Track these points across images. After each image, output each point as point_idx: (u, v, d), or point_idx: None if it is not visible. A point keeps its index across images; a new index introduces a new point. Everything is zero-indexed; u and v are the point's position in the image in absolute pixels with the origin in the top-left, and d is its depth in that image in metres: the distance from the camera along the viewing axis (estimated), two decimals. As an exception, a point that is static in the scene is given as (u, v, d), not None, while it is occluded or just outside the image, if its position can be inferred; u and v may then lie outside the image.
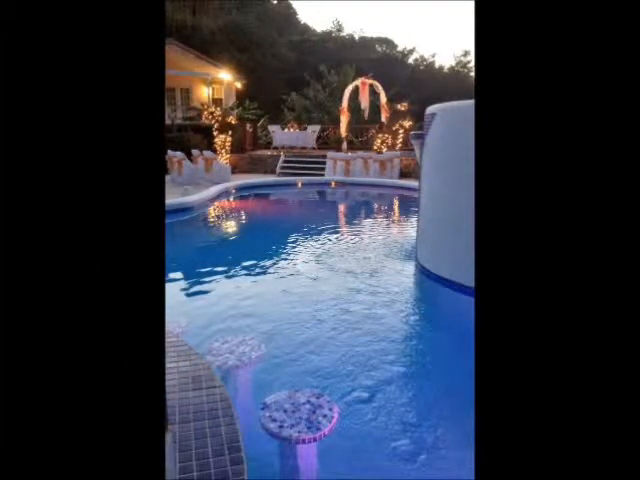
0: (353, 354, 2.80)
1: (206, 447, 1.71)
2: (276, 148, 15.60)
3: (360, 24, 38.37)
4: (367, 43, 32.30)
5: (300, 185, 12.14)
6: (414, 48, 32.06)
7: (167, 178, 11.11)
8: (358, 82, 15.01)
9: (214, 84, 17.25)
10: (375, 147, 13.95)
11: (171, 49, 14.90)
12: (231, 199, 10.09)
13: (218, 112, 13.35)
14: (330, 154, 13.17)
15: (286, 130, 16.21)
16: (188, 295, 4.03)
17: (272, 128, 16.33)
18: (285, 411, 1.93)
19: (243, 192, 10.80)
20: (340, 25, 32.66)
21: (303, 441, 1.78)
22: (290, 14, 32.97)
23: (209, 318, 3.34)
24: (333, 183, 12.24)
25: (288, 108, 21.62)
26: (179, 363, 2.34)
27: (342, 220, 8.67)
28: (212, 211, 8.68)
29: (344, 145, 14.76)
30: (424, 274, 4.32)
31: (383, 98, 14.66)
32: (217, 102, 16.82)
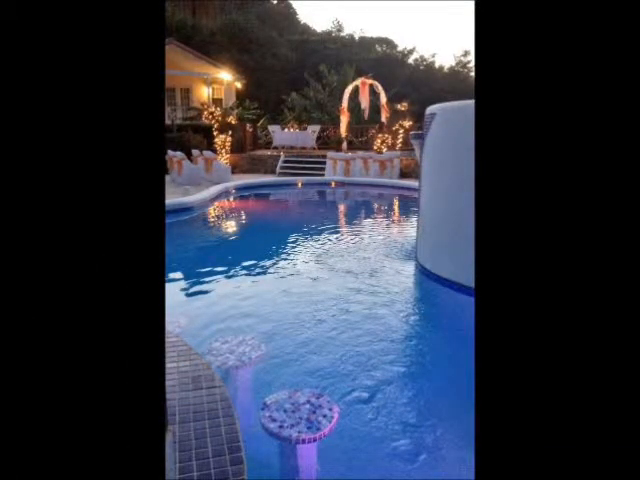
0: (353, 354, 2.80)
1: (206, 447, 1.71)
2: (276, 148, 15.60)
3: (360, 24, 38.53)
4: (367, 43, 32.30)
5: (300, 185, 12.14)
6: (414, 48, 32.14)
7: (167, 178, 11.11)
8: (358, 82, 15.01)
9: (214, 84, 17.26)
10: (375, 147, 13.95)
11: (171, 49, 14.92)
12: (231, 199, 10.09)
13: (218, 112, 13.36)
14: (330, 154, 13.17)
15: (286, 130, 16.20)
16: (188, 295, 4.03)
17: (272, 128, 16.32)
18: (285, 411, 1.93)
19: (243, 192, 10.79)
20: (340, 25, 32.76)
21: (303, 441, 1.78)
22: (290, 14, 32.99)
23: (209, 318, 3.34)
24: (333, 183, 12.24)
25: (288, 108, 21.61)
26: (179, 363, 2.33)
27: (342, 220, 8.66)
28: (212, 211, 8.68)
29: (344, 145, 14.76)
30: (424, 274, 4.32)
31: (383, 98, 14.66)
32: (217, 102, 16.83)
